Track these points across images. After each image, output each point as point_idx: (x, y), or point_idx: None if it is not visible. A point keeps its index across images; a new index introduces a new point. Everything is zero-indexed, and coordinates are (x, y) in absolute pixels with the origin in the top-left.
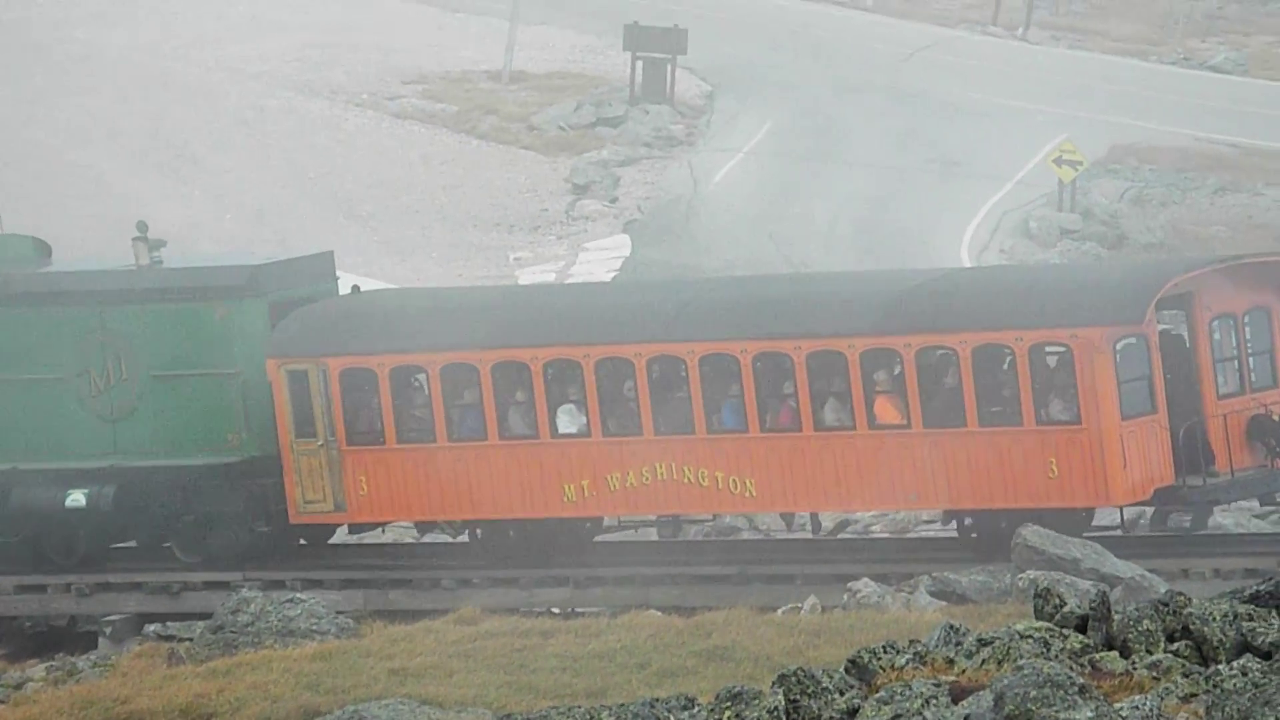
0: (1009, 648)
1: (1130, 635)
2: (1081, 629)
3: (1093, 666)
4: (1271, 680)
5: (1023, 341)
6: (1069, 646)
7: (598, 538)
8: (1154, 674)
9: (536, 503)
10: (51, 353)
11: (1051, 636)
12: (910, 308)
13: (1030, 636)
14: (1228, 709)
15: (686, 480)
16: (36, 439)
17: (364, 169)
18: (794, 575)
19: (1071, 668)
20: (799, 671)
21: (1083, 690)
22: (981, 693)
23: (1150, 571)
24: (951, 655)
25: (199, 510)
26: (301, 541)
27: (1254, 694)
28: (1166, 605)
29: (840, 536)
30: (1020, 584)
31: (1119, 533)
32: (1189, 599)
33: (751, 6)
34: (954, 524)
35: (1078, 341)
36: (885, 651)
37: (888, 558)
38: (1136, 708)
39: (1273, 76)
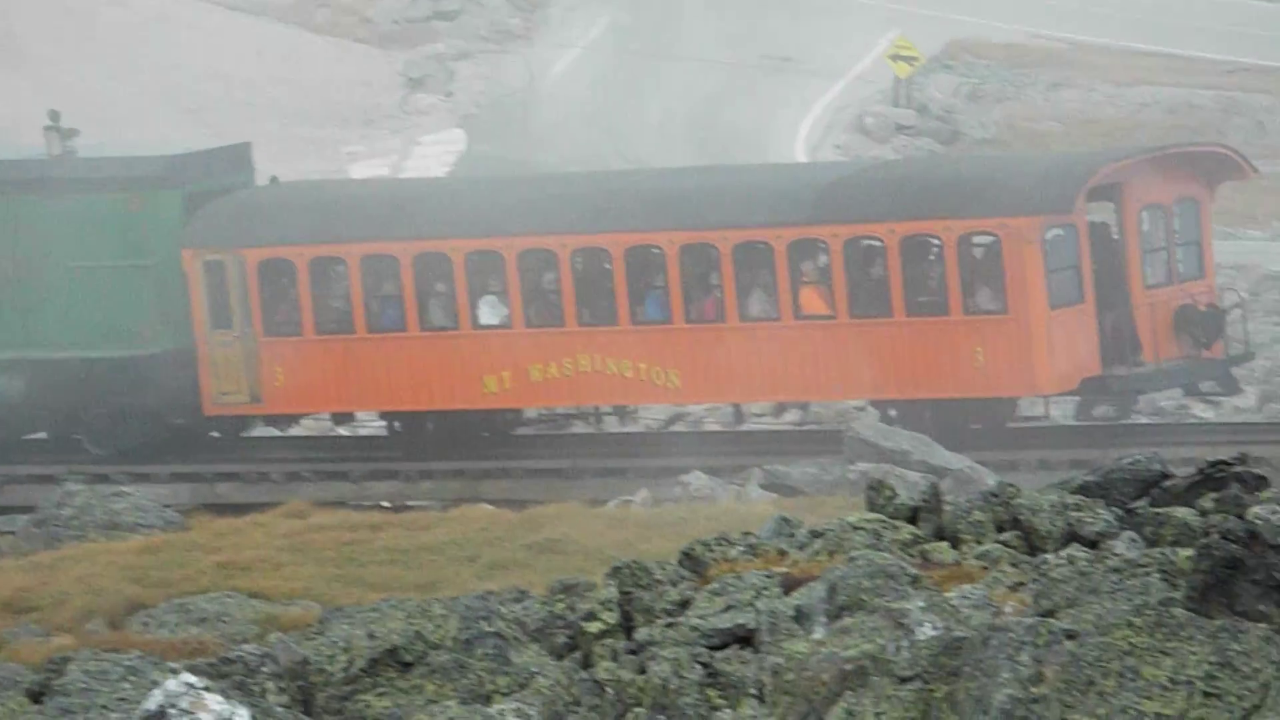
0: (841, 539)
1: (960, 526)
2: (912, 520)
3: (924, 557)
4: (1096, 569)
5: (951, 231)
6: (900, 538)
7: (517, 430)
8: (983, 564)
9: (456, 394)
10: None
11: (883, 528)
12: (838, 198)
13: (862, 528)
14: (1054, 597)
15: (610, 372)
16: None
17: (195, 62)
18: (625, 469)
19: (903, 558)
20: (632, 564)
21: (914, 580)
22: (814, 583)
23: (980, 463)
24: (784, 547)
25: (110, 403)
26: (214, 434)
27: (1080, 582)
28: (996, 496)
29: (672, 430)
30: (851, 476)
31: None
32: (1018, 490)
33: None
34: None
35: (1006, 231)
36: (718, 544)
37: (720, 450)
38: (966, 597)
39: None
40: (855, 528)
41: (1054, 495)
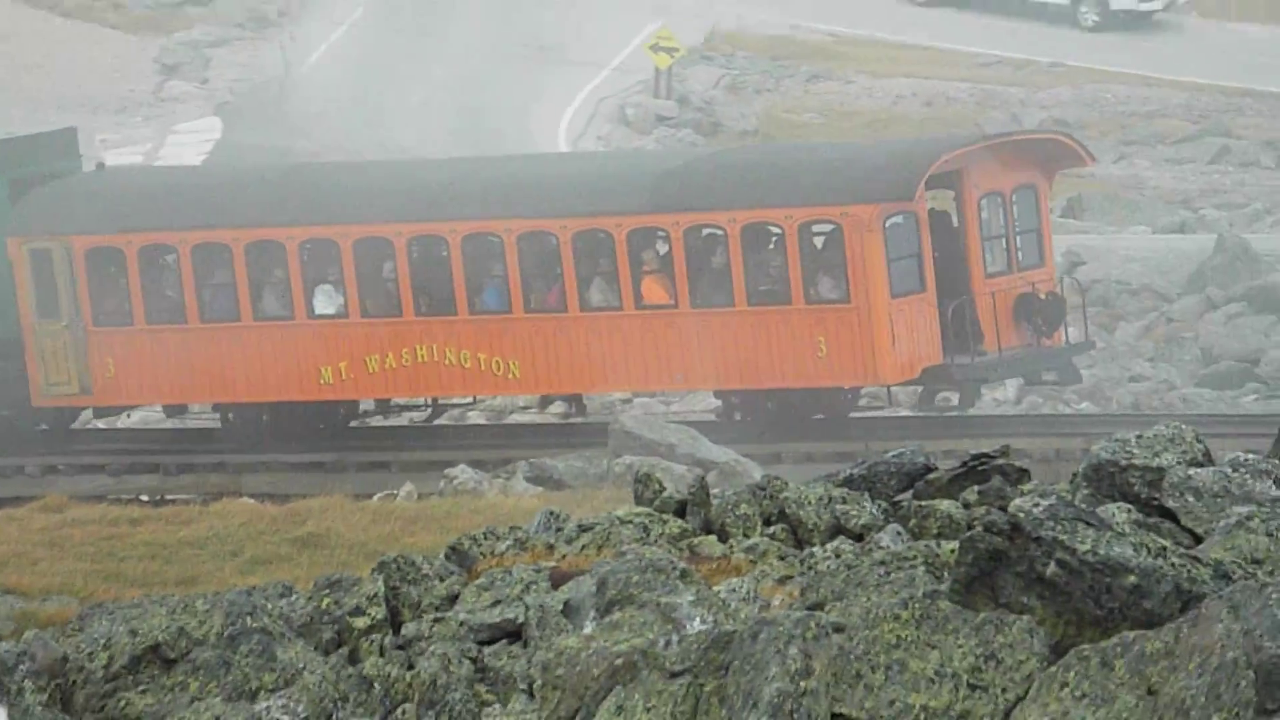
0: (609, 533)
1: (728, 519)
2: (680, 514)
3: (692, 551)
4: (863, 561)
5: (792, 219)
6: (668, 531)
7: (353, 422)
8: (751, 557)
9: (291, 385)
10: None
11: (651, 521)
12: (678, 186)
13: (630, 522)
14: (821, 589)
15: (448, 362)
16: None
17: None
18: (389, 462)
19: (671, 552)
20: (399, 558)
21: (683, 574)
22: (582, 578)
23: (745, 456)
24: (552, 541)
25: None
26: (43, 427)
27: (847, 575)
28: (763, 489)
29: (437, 423)
30: (617, 469)
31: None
32: (785, 483)
33: None
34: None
35: (847, 219)
36: (486, 538)
37: (485, 443)
38: (734, 590)
39: None
40: (623, 522)
41: (820, 489)
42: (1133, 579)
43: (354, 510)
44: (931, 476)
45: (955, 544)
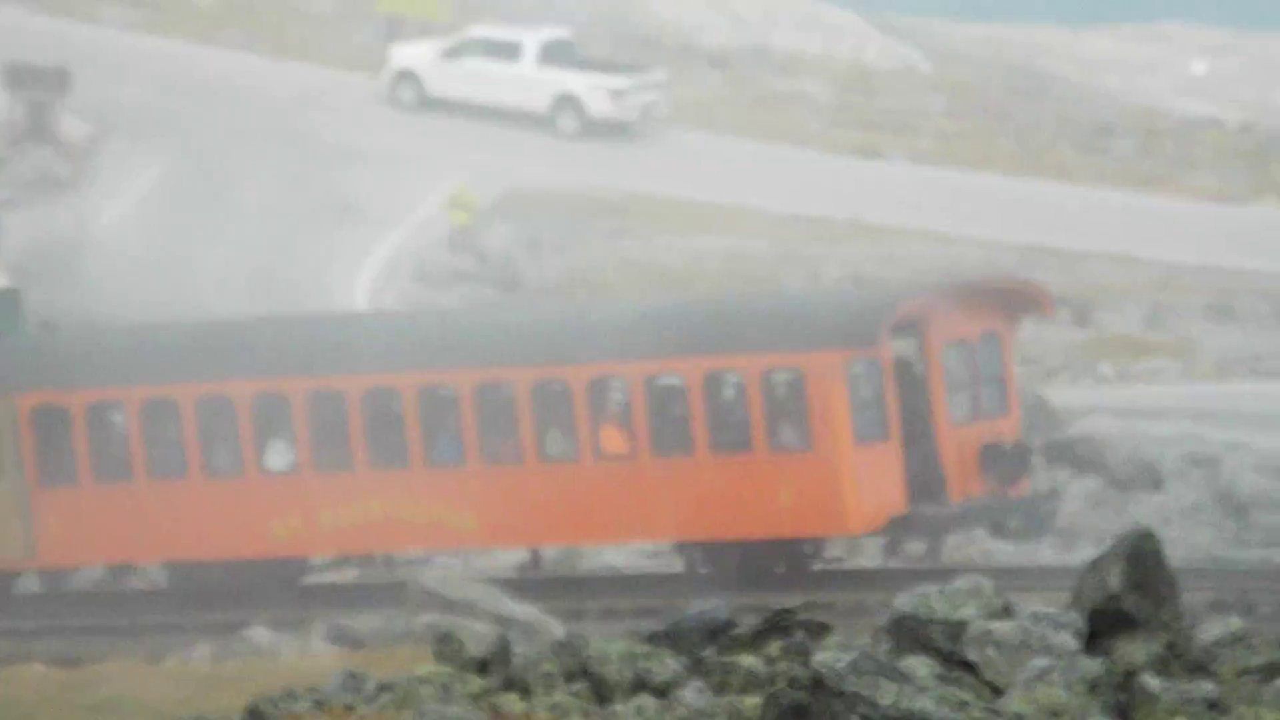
0: (410, 692)
1: (530, 677)
2: (482, 672)
3: (494, 709)
4: (665, 717)
5: (753, 366)
6: (470, 690)
7: (305, 579)
8: (554, 714)
9: (243, 542)
10: None
11: (452, 680)
12: (636, 334)
13: (431, 681)
14: None
15: (404, 517)
16: None
17: None
18: (184, 624)
19: (473, 711)
20: None
21: None
22: None
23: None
24: (351, 701)
25: None
26: None
27: None
28: (566, 646)
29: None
30: (417, 627)
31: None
32: (588, 640)
33: (139, 49)
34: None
35: (810, 364)
36: (284, 699)
37: (282, 603)
38: None
39: (662, 122)
40: (424, 680)
41: (622, 645)
42: None
43: (149, 673)
44: (735, 632)
45: (759, 699)
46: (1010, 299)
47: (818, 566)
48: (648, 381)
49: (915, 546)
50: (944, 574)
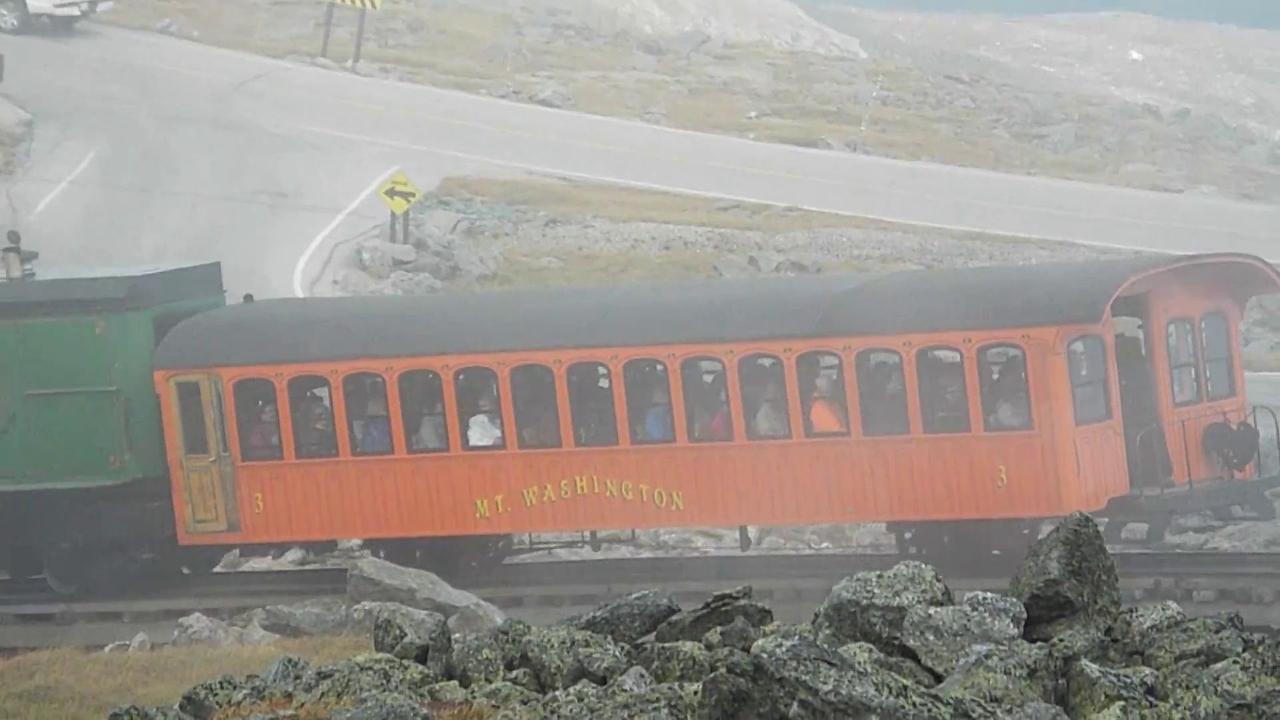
0: (349, 680)
1: (470, 664)
2: (422, 659)
3: (433, 696)
4: (606, 705)
5: (970, 343)
6: (409, 677)
7: (507, 559)
8: (493, 701)
9: (447, 519)
10: None
11: (392, 668)
12: (850, 309)
13: (370, 668)
14: None
15: (609, 494)
16: None
17: None
18: (121, 612)
19: (413, 698)
20: (131, 710)
21: None
22: None
23: (486, 600)
24: (290, 689)
25: (77, 537)
26: (185, 570)
27: (590, 718)
28: (506, 633)
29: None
30: (356, 615)
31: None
32: (527, 627)
33: (70, 35)
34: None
35: (1029, 342)
36: (223, 687)
37: (221, 591)
38: None
39: (599, 111)
40: (363, 668)
41: (562, 632)
42: (875, 718)
43: (85, 662)
44: (674, 618)
45: (699, 686)
46: (1237, 277)
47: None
48: (860, 358)
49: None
50: (882, 561)
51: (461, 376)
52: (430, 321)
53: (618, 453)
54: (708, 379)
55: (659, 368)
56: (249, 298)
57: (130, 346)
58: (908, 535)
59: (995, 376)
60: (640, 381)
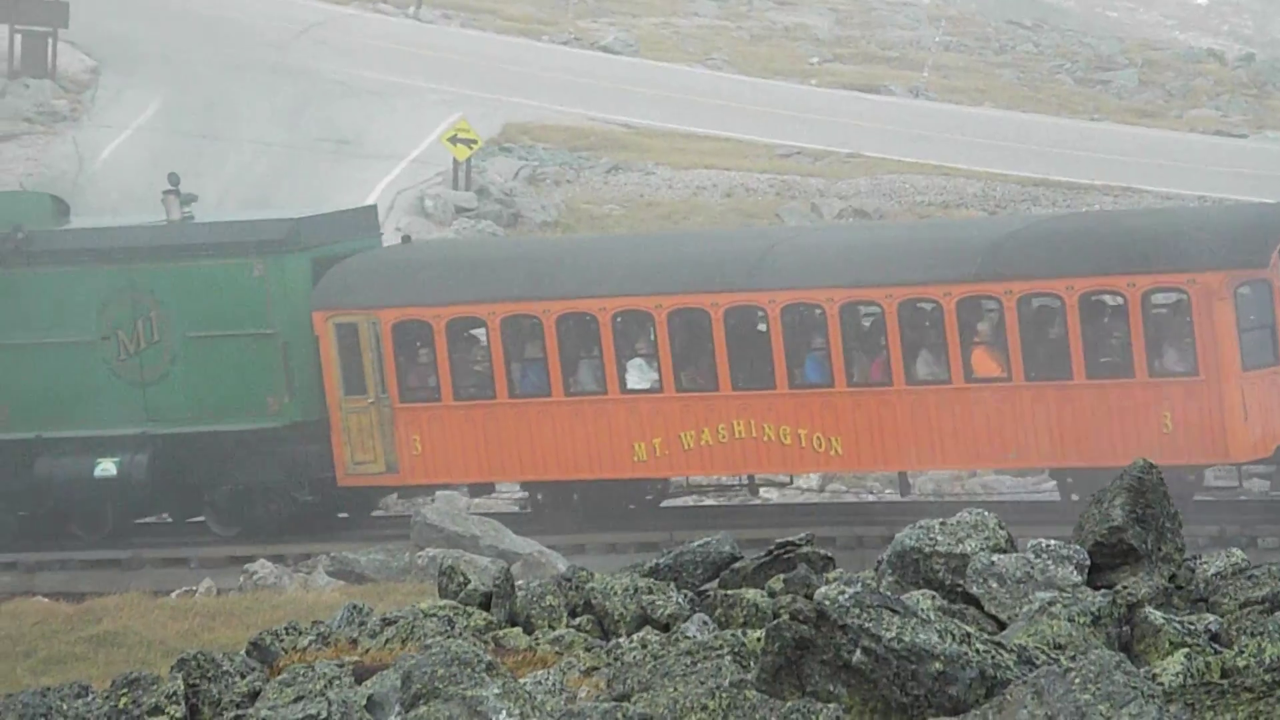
0: (413, 626)
1: (534, 611)
2: (485, 606)
3: (497, 643)
4: (669, 651)
5: (1135, 287)
6: (473, 624)
7: (664, 502)
8: (557, 649)
9: (604, 463)
10: (77, 315)
11: (456, 614)
12: (1011, 252)
13: (434, 615)
14: (628, 680)
15: (767, 438)
16: (62, 406)
17: None
18: (188, 558)
19: (476, 645)
20: (198, 655)
21: (490, 667)
22: (387, 672)
23: (550, 548)
24: (355, 635)
25: (237, 479)
26: (342, 515)
27: (654, 665)
28: (569, 580)
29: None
30: (420, 562)
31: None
32: (591, 574)
33: None
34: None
35: (1195, 287)
36: (288, 633)
37: (285, 538)
38: (540, 682)
39: (660, 57)
40: (427, 614)
41: (626, 579)
42: (938, 665)
43: (151, 607)
44: (737, 565)
45: (761, 633)
46: None
47: (1196, 497)
48: (1021, 302)
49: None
50: (947, 507)
51: (619, 319)
52: (588, 264)
53: (775, 397)
54: (866, 323)
55: (817, 312)
56: (407, 239)
57: (289, 289)
58: (1070, 481)
59: (1160, 322)
60: (798, 325)
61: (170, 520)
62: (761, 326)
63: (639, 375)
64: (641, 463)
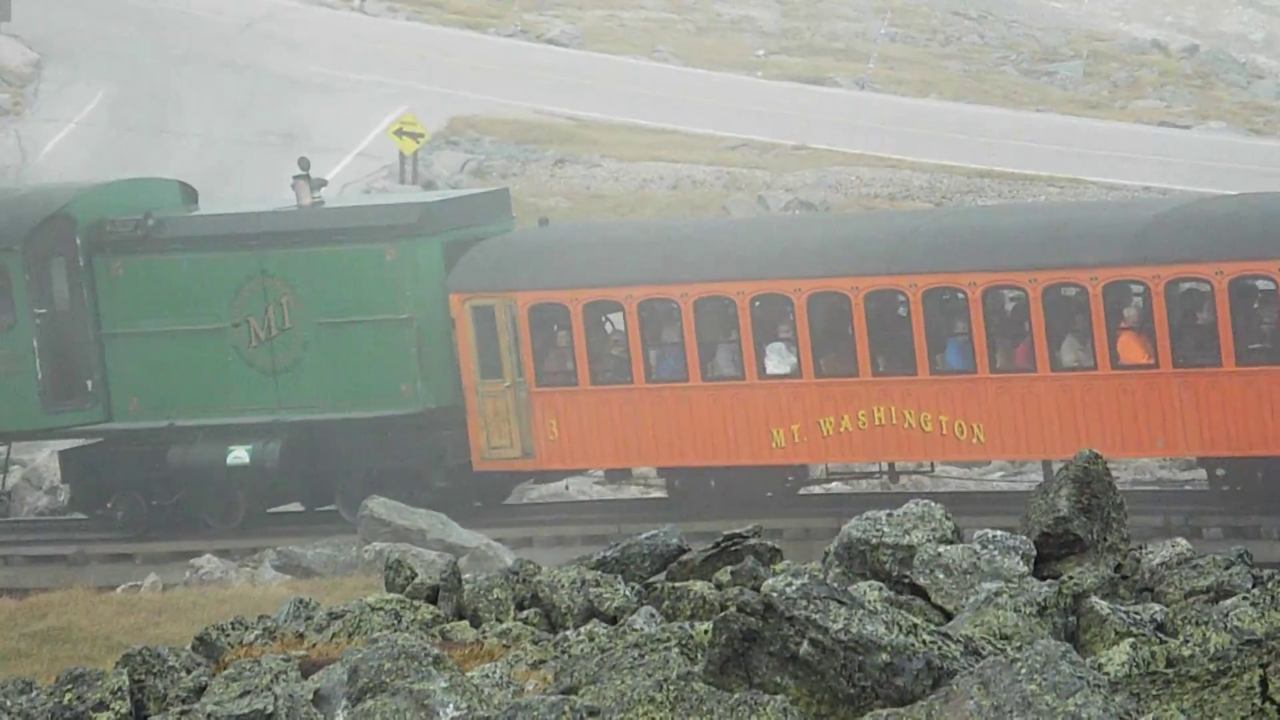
0: (360, 620)
1: (481, 604)
2: (432, 600)
3: (444, 636)
4: (617, 644)
5: None
6: (420, 618)
7: (802, 490)
8: (504, 642)
9: (742, 449)
10: (207, 301)
11: (403, 608)
12: (1160, 236)
13: (381, 609)
14: (576, 673)
15: (907, 425)
16: (193, 393)
17: None
18: (133, 554)
19: (424, 638)
20: (143, 651)
21: (437, 660)
22: (333, 666)
23: (496, 540)
24: (301, 630)
25: (370, 467)
26: (477, 504)
27: (601, 658)
28: (516, 574)
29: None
30: (367, 556)
31: None
32: (538, 567)
33: None
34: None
35: None
36: (234, 628)
37: (231, 532)
38: (487, 675)
39: (606, 50)
40: (374, 609)
41: (573, 572)
42: (885, 657)
43: (97, 602)
44: (684, 558)
45: (709, 625)
46: None
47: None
48: (1169, 287)
49: None
50: (893, 499)
51: (757, 303)
52: (725, 247)
53: (916, 383)
54: (1010, 307)
55: (959, 296)
56: (544, 221)
57: (421, 273)
58: (1220, 472)
59: None
60: (940, 310)
61: (301, 509)
62: (902, 311)
63: (778, 360)
64: (780, 449)
